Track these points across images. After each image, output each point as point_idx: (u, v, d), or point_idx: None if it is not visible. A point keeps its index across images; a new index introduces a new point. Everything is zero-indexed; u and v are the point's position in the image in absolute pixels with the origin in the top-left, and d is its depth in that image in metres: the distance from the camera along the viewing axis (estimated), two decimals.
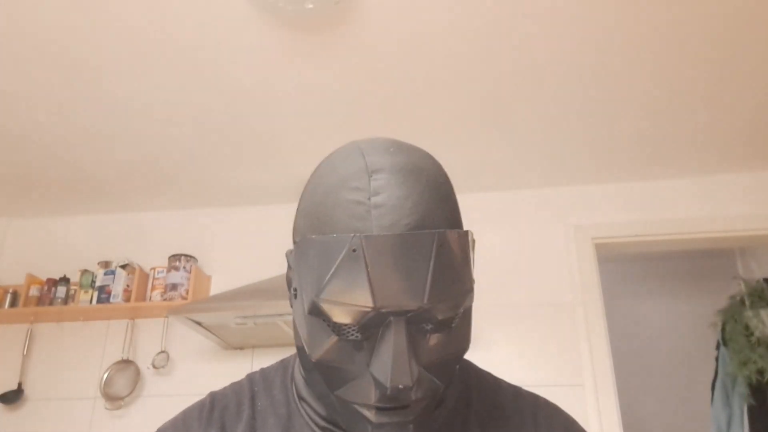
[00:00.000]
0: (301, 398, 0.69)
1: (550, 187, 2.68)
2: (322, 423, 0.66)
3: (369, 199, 0.57)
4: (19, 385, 2.56)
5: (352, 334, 0.56)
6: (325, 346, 0.57)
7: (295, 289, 0.62)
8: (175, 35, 1.81)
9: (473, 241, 0.63)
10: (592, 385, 2.29)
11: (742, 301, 2.90)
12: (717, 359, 3.00)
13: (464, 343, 0.60)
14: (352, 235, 0.55)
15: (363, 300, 0.54)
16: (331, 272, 0.56)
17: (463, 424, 0.68)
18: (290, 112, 2.18)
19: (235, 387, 0.74)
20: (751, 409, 2.77)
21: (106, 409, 2.48)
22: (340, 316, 0.55)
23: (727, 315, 2.92)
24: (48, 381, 2.59)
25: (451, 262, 0.56)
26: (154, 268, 2.62)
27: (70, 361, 2.61)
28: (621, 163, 2.51)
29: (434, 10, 1.73)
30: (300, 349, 0.64)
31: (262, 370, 0.76)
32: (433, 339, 0.57)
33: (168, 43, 1.84)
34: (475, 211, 2.68)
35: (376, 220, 0.55)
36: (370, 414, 0.56)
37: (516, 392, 0.74)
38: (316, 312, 0.57)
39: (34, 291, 2.61)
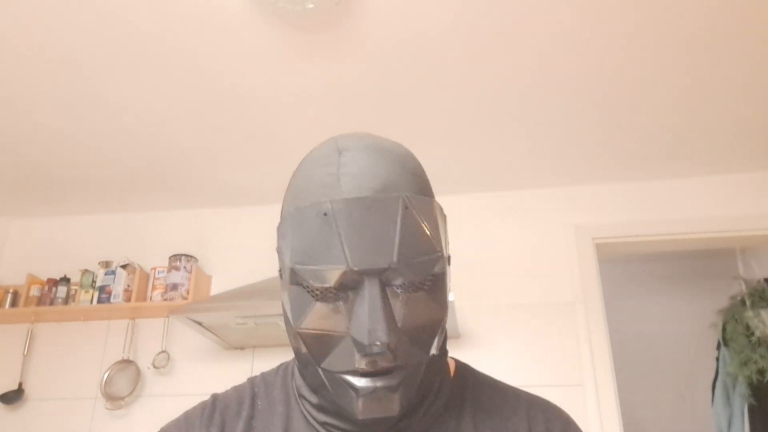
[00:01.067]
0: (301, 396, 0.70)
1: (551, 187, 2.68)
2: (322, 417, 0.67)
3: (338, 170, 0.61)
4: (20, 385, 2.56)
5: (331, 297, 0.59)
6: (306, 313, 0.60)
7: (280, 271, 0.65)
8: (175, 35, 1.81)
9: (444, 216, 0.67)
10: (592, 385, 2.29)
11: (743, 301, 2.90)
12: (717, 359, 3.00)
13: (439, 311, 0.62)
14: (322, 201, 0.59)
15: (336, 260, 0.57)
16: (305, 238, 0.59)
17: (457, 421, 0.68)
18: (291, 112, 2.18)
19: (237, 389, 0.76)
20: (751, 409, 2.76)
21: (107, 409, 2.48)
22: (317, 279, 0.58)
23: (728, 315, 2.92)
24: (48, 381, 2.59)
25: (417, 224, 0.60)
26: (154, 268, 2.62)
27: (70, 361, 2.61)
28: (622, 163, 2.51)
29: (435, 10, 1.73)
30: (290, 334, 0.65)
31: (263, 373, 0.78)
32: (408, 302, 0.59)
33: (168, 43, 1.84)
34: (475, 212, 2.68)
35: (344, 186, 0.60)
36: (355, 381, 0.58)
37: (514, 393, 0.74)
38: (295, 280, 0.60)
39: (34, 291, 2.61)
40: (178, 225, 2.84)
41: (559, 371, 2.34)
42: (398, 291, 0.59)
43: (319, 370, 0.61)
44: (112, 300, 2.52)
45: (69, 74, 1.96)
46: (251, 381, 0.76)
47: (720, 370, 2.97)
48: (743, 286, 3.00)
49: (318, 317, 0.59)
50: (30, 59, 1.90)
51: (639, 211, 2.59)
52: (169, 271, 2.56)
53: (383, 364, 0.57)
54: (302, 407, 0.69)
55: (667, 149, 2.41)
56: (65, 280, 2.63)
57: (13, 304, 2.61)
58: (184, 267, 2.56)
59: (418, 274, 0.59)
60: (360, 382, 0.58)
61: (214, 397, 0.74)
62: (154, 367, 2.50)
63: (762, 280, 2.95)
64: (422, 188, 0.64)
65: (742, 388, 2.80)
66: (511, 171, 2.57)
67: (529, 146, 2.40)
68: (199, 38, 1.82)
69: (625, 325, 3.63)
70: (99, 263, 2.63)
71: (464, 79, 2.01)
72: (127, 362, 2.55)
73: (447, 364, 0.74)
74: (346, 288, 0.58)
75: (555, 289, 2.48)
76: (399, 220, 0.58)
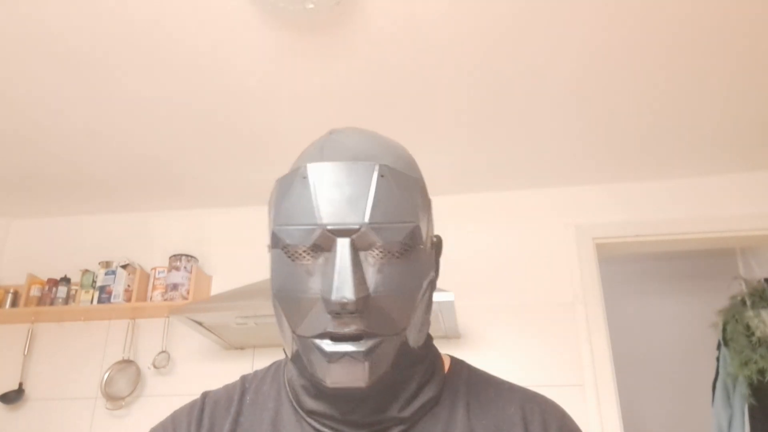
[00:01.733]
0: (291, 385, 0.70)
1: (551, 187, 2.68)
2: (308, 405, 0.67)
3: (323, 144, 0.65)
4: (20, 385, 2.56)
5: (306, 259, 0.61)
6: (283, 274, 0.62)
7: (269, 245, 0.67)
8: (176, 35, 1.81)
9: (428, 199, 0.68)
10: (592, 385, 2.29)
11: (743, 301, 2.90)
12: (718, 359, 2.99)
13: (413, 283, 0.63)
14: (302, 166, 0.62)
15: (310, 218, 0.59)
16: (286, 201, 0.62)
17: (450, 413, 0.68)
18: (291, 112, 2.18)
19: (228, 386, 0.77)
20: (752, 409, 2.76)
21: (107, 409, 2.48)
22: (292, 238, 0.60)
23: (728, 315, 2.92)
24: (49, 381, 2.59)
25: (392, 193, 0.62)
26: (155, 268, 2.62)
27: (70, 361, 2.61)
28: (622, 163, 2.51)
29: (435, 11, 1.73)
30: (274, 308, 0.67)
31: (256, 371, 0.79)
32: (381, 269, 0.61)
33: (168, 43, 1.84)
34: (476, 211, 2.68)
35: (325, 155, 0.64)
36: (324, 345, 0.60)
37: (510, 387, 0.74)
38: (275, 242, 0.63)
39: (35, 291, 2.61)
40: (178, 225, 2.84)
41: (560, 371, 2.34)
42: (371, 256, 0.60)
43: (295, 338, 0.62)
44: (112, 300, 2.52)
45: (69, 74, 1.96)
46: (243, 378, 0.77)
47: (720, 371, 2.97)
48: (743, 286, 2.99)
49: (294, 279, 0.61)
50: (30, 59, 1.90)
51: (639, 211, 2.59)
52: (169, 271, 2.56)
53: (352, 326, 0.58)
54: (290, 397, 0.70)
55: (668, 149, 2.41)
56: (65, 280, 2.63)
57: (14, 304, 2.61)
58: (185, 267, 2.56)
59: (390, 241, 0.60)
60: (329, 347, 0.59)
61: (204, 396, 0.75)
62: (155, 367, 2.50)
63: (762, 280, 2.95)
64: (406, 169, 0.67)
65: (742, 389, 2.80)
66: (511, 171, 2.57)
67: (530, 146, 2.40)
68: (199, 38, 1.82)
69: (625, 325, 3.63)
70: (99, 263, 2.63)
71: (464, 79, 2.01)
72: (127, 362, 2.55)
73: (439, 358, 0.75)
74: (320, 249, 0.60)
75: (555, 289, 2.48)
76: (374, 184, 0.60)
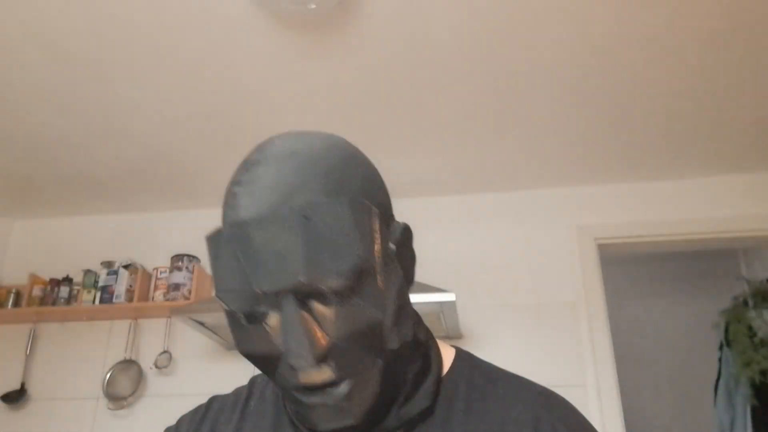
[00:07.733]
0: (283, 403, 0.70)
1: (553, 187, 2.68)
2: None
3: (238, 188, 0.59)
4: (22, 385, 2.56)
5: (256, 319, 0.58)
6: (242, 337, 0.59)
7: None
8: (177, 35, 1.81)
9: (368, 208, 0.60)
10: (594, 386, 2.29)
11: (746, 302, 2.90)
12: (720, 360, 2.99)
13: (375, 311, 0.57)
14: (221, 228, 0.58)
15: (243, 284, 0.56)
16: (217, 266, 0.58)
17: (445, 419, 0.65)
18: (293, 113, 2.18)
19: (237, 390, 0.75)
20: (754, 410, 2.76)
21: (109, 409, 2.48)
22: (235, 304, 0.57)
23: (731, 316, 2.92)
24: (51, 381, 2.59)
25: (325, 233, 0.55)
26: (156, 268, 2.62)
27: (72, 361, 2.62)
28: (624, 163, 2.51)
29: (438, 10, 1.72)
30: None
31: None
32: (338, 313, 0.56)
33: (170, 43, 1.84)
34: (478, 212, 2.68)
35: (241, 206, 0.57)
36: (304, 398, 0.57)
37: (519, 383, 0.70)
38: (221, 305, 0.60)
39: (37, 291, 2.62)
40: (180, 225, 2.85)
41: (561, 372, 2.34)
42: (321, 304, 0.56)
43: (274, 385, 0.61)
44: (114, 300, 2.53)
45: (70, 74, 1.97)
46: (251, 381, 0.76)
47: (722, 371, 2.97)
48: (746, 287, 2.99)
49: (251, 341, 0.58)
50: (31, 59, 1.90)
51: (641, 211, 2.58)
52: (171, 271, 2.56)
53: (323, 375, 0.55)
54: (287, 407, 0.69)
55: (670, 149, 2.41)
56: (68, 280, 2.63)
57: (16, 304, 2.61)
58: (186, 267, 2.56)
59: (336, 283, 0.55)
60: (308, 398, 0.57)
61: (211, 400, 0.74)
62: (156, 367, 2.50)
63: (765, 280, 2.95)
64: (336, 188, 0.58)
65: (744, 389, 2.79)
66: (513, 171, 2.57)
67: (532, 147, 2.40)
68: (201, 38, 1.83)
69: (627, 326, 3.63)
70: (101, 263, 2.64)
71: (466, 79, 2.01)
72: (129, 362, 2.55)
73: (436, 355, 0.69)
74: (267, 308, 0.57)
75: (557, 289, 2.48)
76: (301, 234, 0.55)
